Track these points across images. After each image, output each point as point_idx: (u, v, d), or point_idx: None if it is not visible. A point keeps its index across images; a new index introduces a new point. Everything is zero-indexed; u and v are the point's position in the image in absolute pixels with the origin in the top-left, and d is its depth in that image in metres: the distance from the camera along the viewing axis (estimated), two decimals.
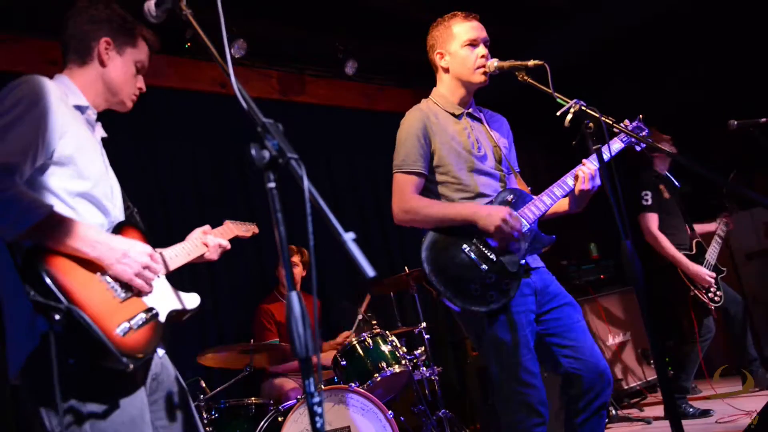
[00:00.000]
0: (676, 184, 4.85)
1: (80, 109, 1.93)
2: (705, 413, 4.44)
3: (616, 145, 2.64)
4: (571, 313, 2.55)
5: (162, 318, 1.85)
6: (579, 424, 2.46)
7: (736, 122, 4.17)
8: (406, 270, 4.24)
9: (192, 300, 2.02)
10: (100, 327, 1.61)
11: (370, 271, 1.33)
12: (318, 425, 1.35)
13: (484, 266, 2.46)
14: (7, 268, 1.70)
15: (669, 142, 4.84)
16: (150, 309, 1.80)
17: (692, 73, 6.28)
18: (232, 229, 2.44)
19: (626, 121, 2.69)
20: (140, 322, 1.73)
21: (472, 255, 2.48)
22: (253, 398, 3.90)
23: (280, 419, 3.64)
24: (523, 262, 2.50)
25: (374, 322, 4.03)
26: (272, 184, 1.46)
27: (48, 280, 1.60)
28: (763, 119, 4.10)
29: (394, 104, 6.48)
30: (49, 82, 1.83)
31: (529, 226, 2.54)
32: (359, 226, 5.83)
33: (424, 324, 4.18)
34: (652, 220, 4.59)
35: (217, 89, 5.21)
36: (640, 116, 2.71)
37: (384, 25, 5.66)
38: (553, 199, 2.58)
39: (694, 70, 6.27)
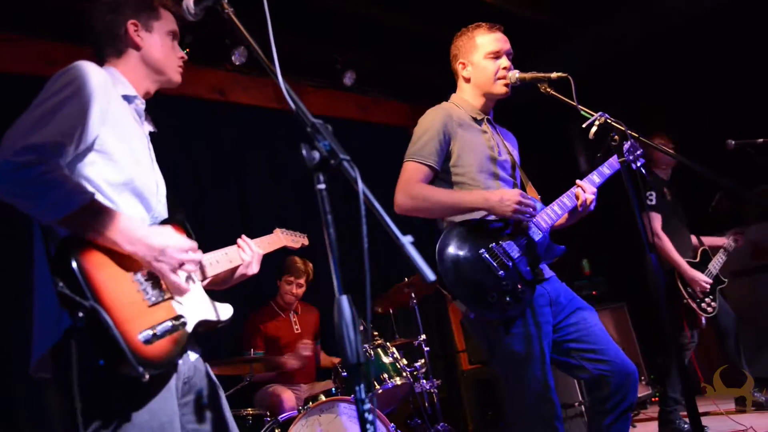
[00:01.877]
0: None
1: (127, 99, 1.89)
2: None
3: (606, 170, 2.68)
4: (587, 316, 2.55)
5: (189, 328, 1.78)
6: (606, 426, 2.44)
7: (733, 142, 4.24)
8: (406, 280, 4.21)
9: (225, 311, 1.95)
10: (122, 331, 1.54)
11: (430, 275, 1.31)
12: None
13: (502, 272, 2.44)
14: (40, 257, 1.66)
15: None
16: (178, 317, 1.73)
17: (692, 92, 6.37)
18: (281, 238, 2.36)
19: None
20: (165, 330, 1.66)
21: (490, 260, 2.46)
22: (249, 409, 3.85)
23: (277, 431, 3.59)
24: (537, 270, 2.49)
25: (375, 333, 4.00)
26: (322, 186, 1.43)
27: (78, 274, 1.53)
28: (761, 140, 4.17)
29: (387, 117, 6.50)
30: (99, 68, 1.80)
31: (542, 234, 2.53)
32: (351, 236, 5.79)
33: (423, 336, 4.16)
34: (656, 219, 4.58)
35: (216, 96, 5.17)
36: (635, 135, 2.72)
37: (381, 38, 5.68)
38: (564, 209, 2.59)
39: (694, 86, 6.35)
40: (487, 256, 2.46)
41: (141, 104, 1.95)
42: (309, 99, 5.83)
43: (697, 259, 4.75)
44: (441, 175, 2.60)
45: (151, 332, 1.60)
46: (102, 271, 1.60)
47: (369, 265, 1.37)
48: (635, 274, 6.96)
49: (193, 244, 1.80)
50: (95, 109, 1.71)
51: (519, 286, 2.44)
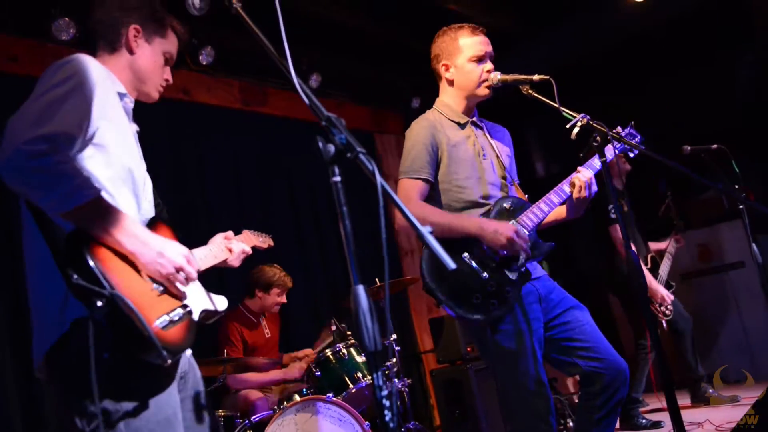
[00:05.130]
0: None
1: (120, 96, 1.89)
2: (656, 425, 4.63)
3: (609, 153, 2.65)
4: (578, 315, 2.60)
5: (195, 316, 1.82)
6: (597, 421, 2.50)
7: (689, 148, 4.43)
8: (377, 282, 4.25)
9: (221, 302, 2.00)
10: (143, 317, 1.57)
11: (451, 264, 1.36)
12: (387, 418, 1.36)
13: (485, 274, 2.48)
14: (38, 251, 1.65)
15: (623, 158, 5.05)
16: (185, 305, 1.76)
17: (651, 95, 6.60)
18: (251, 238, 2.43)
19: (618, 128, 2.77)
20: (178, 317, 1.69)
21: (473, 263, 2.50)
22: (221, 411, 3.82)
23: None
24: (523, 270, 2.55)
25: (349, 333, 4.02)
26: (337, 178, 1.46)
27: (92, 265, 1.55)
28: (714, 146, 4.37)
29: (350, 121, 6.36)
30: (98, 62, 1.81)
31: (528, 233, 2.60)
32: (318, 236, 5.81)
33: (394, 336, 4.20)
34: (619, 231, 4.77)
35: (180, 96, 5.11)
36: (632, 123, 2.82)
37: (345, 42, 5.72)
38: (551, 206, 2.65)
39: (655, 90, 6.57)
40: (469, 259, 2.51)
41: (130, 102, 1.97)
42: (271, 101, 5.82)
43: (649, 266, 4.94)
44: (432, 184, 2.64)
45: (167, 318, 1.64)
46: (112, 262, 1.62)
47: (387, 256, 1.40)
48: (593, 277, 7.21)
49: (190, 254, 1.81)
50: (97, 102, 1.72)
51: (504, 287, 2.49)
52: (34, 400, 3.74)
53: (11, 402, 3.66)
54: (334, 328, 4.02)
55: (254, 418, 3.59)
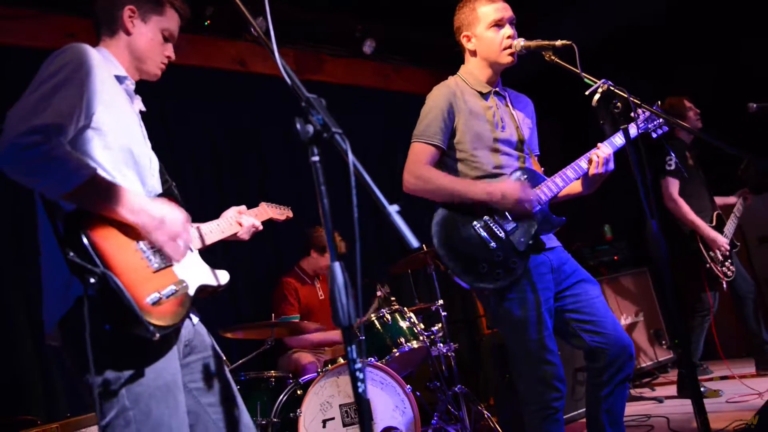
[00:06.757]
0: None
1: (119, 79, 1.98)
2: (713, 393, 4.48)
3: (633, 130, 2.60)
4: (588, 288, 2.59)
5: (191, 291, 1.91)
6: (603, 397, 2.51)
7: (755, 105, 4.18)
8: (424, 248, 4.28)
9: (222, 276, 2.08)
10: (132, 294, 1.66)
11: (414, 242, 1.38)
12: (360, 390, 1.41)
13: (493, 244, 2.51)
14: (46, 232, 1.77)
15: (697, 115, 4.83)
16: (181, 281, 1.85)
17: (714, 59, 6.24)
18: (267, 211, 2.50)
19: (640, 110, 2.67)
20: (170, 294, 1.78)
21: (482, 232, 2.53)
22: (272, 371, 3.98)
23: (299, 392, 3.72)
24: (531, 242, 2.54)
25: (393, 298, 4.09)
26: (316, 158, 1.51)
27: (87, 243, 1.65)
28: None
29: (408, 84, 6.50)
30: (92, 49, 1.90)
31: (540, 206, 2.58)
32: (371, 200, 5.86)
33: (441, 301, 4.24)
34: (673, 185, 4.57)
35: (237, 67, 5.24)
36: (658, 102, 2.71)
37: (401, 5, 5.67)
38: (566, 181, 2.62)
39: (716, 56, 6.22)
40: (479, 228, 2.53)
41: (131, 84, 2.05)
42: (326, 68, 5.87)
43: (713, 223, 4.72)
44: (447, 151, 2.66)
45: (158, 295, 1.72)
46: (108, 240, 1.72)
47: (359, 234, 1.44)
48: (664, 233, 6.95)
49: (187, 217, 1.91)
50: (91, 89, 1.80)
51: (511, 258, 2.50)
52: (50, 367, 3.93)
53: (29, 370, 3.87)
54: (379, 293, 4.10)
55: (302, 379, 3.74)
